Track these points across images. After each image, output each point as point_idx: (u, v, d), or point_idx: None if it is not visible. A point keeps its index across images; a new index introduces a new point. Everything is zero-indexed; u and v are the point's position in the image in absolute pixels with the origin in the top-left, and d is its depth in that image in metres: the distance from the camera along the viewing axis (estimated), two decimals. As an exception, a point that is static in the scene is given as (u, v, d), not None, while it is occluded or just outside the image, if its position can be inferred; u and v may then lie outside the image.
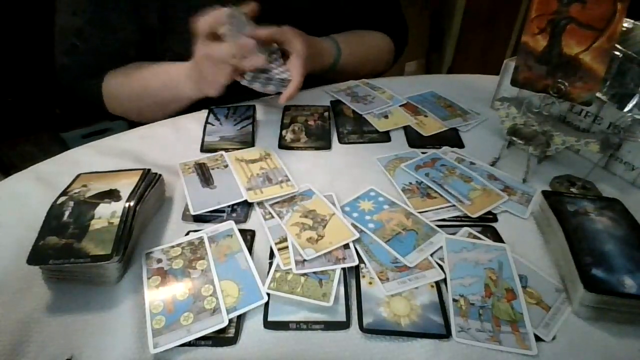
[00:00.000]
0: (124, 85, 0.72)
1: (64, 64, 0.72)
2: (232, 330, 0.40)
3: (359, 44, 0.82)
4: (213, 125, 0.69)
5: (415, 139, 0.68)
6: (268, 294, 0.42)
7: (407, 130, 0.70)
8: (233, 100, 0.75)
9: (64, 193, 0.48)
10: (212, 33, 0.57)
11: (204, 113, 0.72)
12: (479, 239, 0.49)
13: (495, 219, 0.53)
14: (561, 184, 0.57)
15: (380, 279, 0.44)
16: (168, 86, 0.68)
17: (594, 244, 0.44)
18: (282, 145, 0.66)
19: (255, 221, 0.52)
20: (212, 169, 0.59)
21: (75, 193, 0.48)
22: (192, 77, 0.63)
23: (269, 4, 0.61)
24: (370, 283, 0.44)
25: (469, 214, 0.52)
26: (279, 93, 0.62)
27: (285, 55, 0.65)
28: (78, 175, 0.52)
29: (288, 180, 0.57)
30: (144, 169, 0.53)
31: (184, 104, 0.70)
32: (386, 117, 0.72)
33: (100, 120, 1.57)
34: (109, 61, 0.72)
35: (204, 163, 0.60)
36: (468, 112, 0.74)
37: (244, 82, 0.61)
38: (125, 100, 0.74)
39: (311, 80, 0.67)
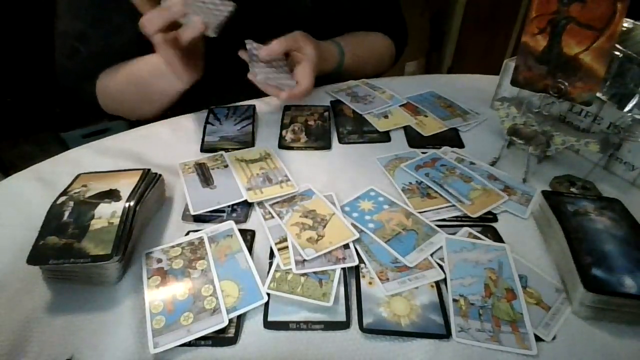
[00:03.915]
0: (113, 79, 0.70)
1: (65, 67, 0.72)
2: (232, 330, 0.40)
3: (361, 46, 0.82)
4: (213, 125, 0.69)
5: (415, 139, 0.68)
6: (268, 294, 0.42)
7: (407, 130, 0.70)
8: (233, 100, 0.75)
9: (64, 193, 0.48)
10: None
11: (204, 113, 0.72)
12: (479, 239, 0.49)
13: (495, 219, 0.53)
14: (561, 184, 0.57)
15: (380, 279, 0.44)
16: (151, 75, 0.66)
17: (594, 244, 0.44)
18: (282, 145, 0.66)
19: (255, 221, 0.52)
20: (212, 169, 0.59)
21: (75, 193, 0.48)
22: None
23: (271, 6, 0.61)
24: (370, 283, 0.44)
25: (469, 214, 0.52)
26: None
27: (291, 59, 0.65)
28: (78, 175, 0.52)
29: (288, 180, 0.57)
30: (144, 169, 0.53)
31: (166, 94, 0.67)
32: (386, 117, 0.72)
33: (100, 120, 1.58)
34: (110, 63, 0.71)
35: (204, 163, 0.60)
36: (468, 112, 0.74)
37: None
38: (116, 95, 0.73)
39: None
